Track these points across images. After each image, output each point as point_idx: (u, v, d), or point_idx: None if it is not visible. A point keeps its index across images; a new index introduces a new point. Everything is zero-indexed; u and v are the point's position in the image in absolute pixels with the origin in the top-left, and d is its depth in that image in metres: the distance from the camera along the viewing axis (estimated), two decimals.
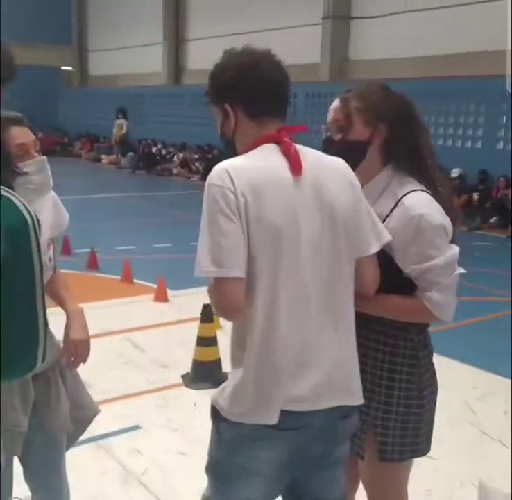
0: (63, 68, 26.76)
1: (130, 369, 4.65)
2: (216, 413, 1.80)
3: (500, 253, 9.56)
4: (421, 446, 2.07)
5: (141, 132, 21.00)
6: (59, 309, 2.18)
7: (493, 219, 11.49)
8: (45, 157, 2.19)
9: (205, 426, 1.97)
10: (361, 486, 2.24)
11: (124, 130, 20.50)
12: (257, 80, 1.75)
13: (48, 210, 2.13)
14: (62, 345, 2.17)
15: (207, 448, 1.87)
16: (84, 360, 2.19)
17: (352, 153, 1.96)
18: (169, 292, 6.44)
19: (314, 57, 16.60)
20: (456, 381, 4.35)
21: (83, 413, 2.35)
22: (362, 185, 2.04)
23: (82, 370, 2.26)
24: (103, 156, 21.54)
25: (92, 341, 2.19)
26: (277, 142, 1.76)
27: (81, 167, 20.29)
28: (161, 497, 3.16)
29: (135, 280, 7.04)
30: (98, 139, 23.13)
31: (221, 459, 1.82)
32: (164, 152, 19.83)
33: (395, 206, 1.94)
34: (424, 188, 1.96)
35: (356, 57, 16.28)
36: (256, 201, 1.66)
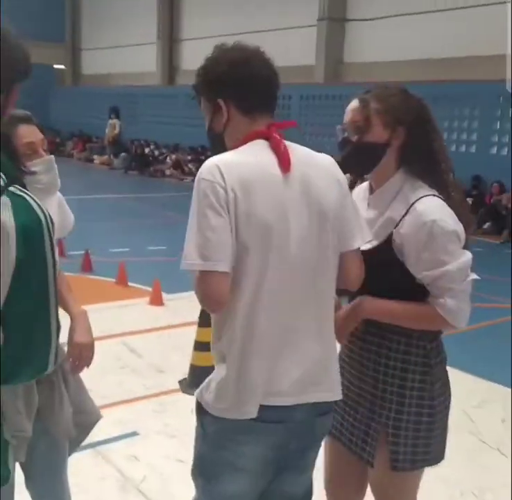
0: (55, 66, 26.63)
1: (126, 374, 4.62)
2: (200, 408, 1.81)
3: (494, 258, 9.58)
4: (433, 455, 2.05)
5: (134, 132, 20.94)
6: (61, 311, 2.15)
7: (487, 225, 11.52)
8: (52, 156, 2.16)
9: None
10: (368, 489, 2.22)
11: (117, 130, 20.44)
12: (248, 75, 1.77)
13: (54, 211, 2.09)
14: (65, 348, 2.14)
15: (193, 448, 1.88)
16: (88, 364, 2.17)
17: (369, 155, 1.96)
18: (164, 296, 6.40)
19: (309, 59, 16.61)
20: (453, 389, 4.30)
21: (86, 418, 2.33)
22: (374, 189, 2.03)
23: None
24: (95, 156, 21.46)
25: None
26: (267, 138, 1.77)
27: (73, 167, 20.17)
28: None
29: (130, 283, 7.00)
30: (91, 139, 23.04)
31: (206, 455, 1.83)
32: (156, 153, 19.79)
33: (406, 212, 1.92)
34: (437, 193, 1.95)
35: (351, 59, 16.31)
36: (246, 197, 1.67)
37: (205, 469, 1.84)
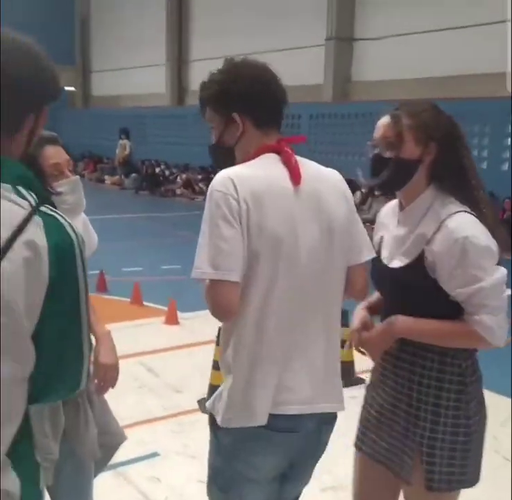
0: (66, 88, 26.89)
1: (144, 394, 4.61)
2: (214, 420, 1.83)
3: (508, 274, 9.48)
4: (469, 476, 2.02)
5: (144, 153, 21.04)
6: None
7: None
8: (78, 177, 2.18)
9: None
10: None
11: (127, 151, 20.52)
12: (265, 91, 1.83)
13: (79, 231, 2.10)
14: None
15: (207, 461, 1.89)
16: (113, 384, 2.16)
17: (402, 171, 1.96)
18: (179, 314, 6.39)
19: (317, 78, 16.68)
20: None
21: (111, 439, 2.31)
22: (405, 205, 2.03)
23: None
24: (106, 177, 21.56)
25: None
26: (278, 152, 1.81)
27: (84, 187, 19.99)
28: None
29: (144, 303, 6.99)
30: (101, 160, 23.17)
31: (221, 467, 1.84)
32: (167, 173, 19.86)
33: (438, 228, 1.91)
34: (468, 209, 1.94)
35: (359, 78, 16.37)
36: (257, 209, 1.71)
37: (221, 482, 1.85)
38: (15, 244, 1.19)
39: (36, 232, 1.21)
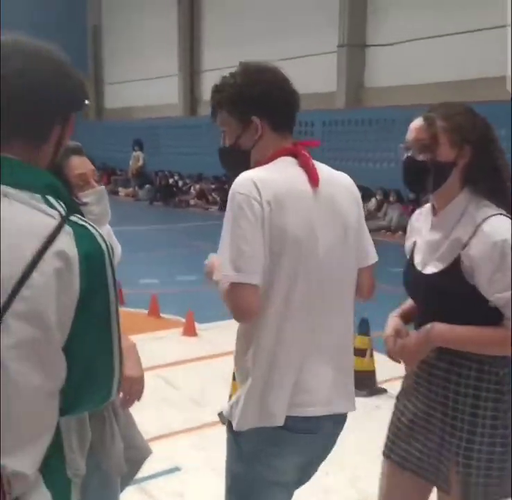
0: None
1: (165, 407, 4.55)
2: (232, 427, 1.86)
3: None
4: (507, 487, 1.95)
5: (157, 164, 21.13)
6: None
7: None
8: (103, 187, 2.17)
9: None
10: None
11: (141, 163, 20.61)
12: (283, 95, 1.87)
13: None
14: None
15: (225, 469, 1.90)
16: (138, 397, 2.13)
17: (436, 175, 1.92)
18: (197, 326, 6.35)
19: (330, 85, 16.68)
20: None
21: (136, 453, 2.28)
22: (438, 209, 1.99)
23: None
24: (120, 189, 21.66)
25: None
26: (294, 155, 1.84)
27: None
28: None
29: (162, 314, 6.95)
30: (115, 172, 23.29)
31: (243, 472, 1.85)
32: (180, 184, 19.92)
33: (474, 232, 1.87)
34: (504, 212, 1.90)
35: (372, 84, 16.35)
36: (279, 212, 1.73)
37: (242, 488, 1.86)
38: (46, 255, 1.18)
39: (67, 243, 1.20)
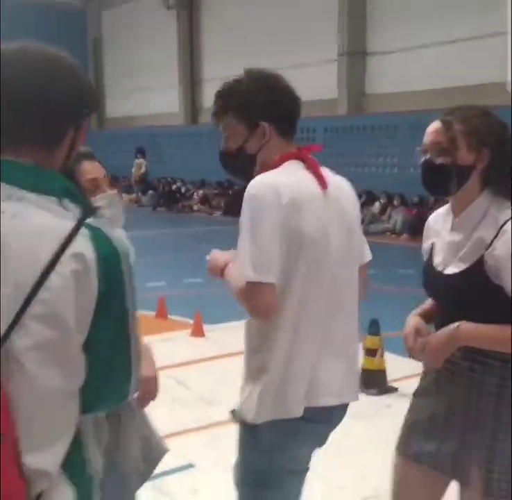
0: None
1: (176, 407, 4.58)
2: (246, 423, 1.90)
3: None
4: None
5: (159, 171, 21.15)
6: None
7: None
8: (116, 191, 2.17)
9: None
10: None
11: (143, 170, 20.62)
12: (289, 101, 1.93)
13: None
14: None
15: (236, 463, 1.96)
16: (153, 397, 2.14)
17: (455, 177, 1.93)
18: (205, 327, 6.39)
19: (332, 92, 16.73)
20: None
21: (152, 452, 2.27)
22: (458, 211, 1.99)
23: None
24: (123, 195, 21.67)
25: None
26: (301, 159, 1.90)
27: None
28: None
29: (169, 316, 6.98)
30: (117, 179, 23.30)
31: (261, 464, 1.89)
32: (183, 189, 19.95)
33: (498, 233, 1.88)
34: None
35: (373, 91, 16.41)
36: (296, 214, 1.78)
37: (261, 480, 1.89)
38: (63, 257, 1.17)
39: (84, 245, 1.20)
